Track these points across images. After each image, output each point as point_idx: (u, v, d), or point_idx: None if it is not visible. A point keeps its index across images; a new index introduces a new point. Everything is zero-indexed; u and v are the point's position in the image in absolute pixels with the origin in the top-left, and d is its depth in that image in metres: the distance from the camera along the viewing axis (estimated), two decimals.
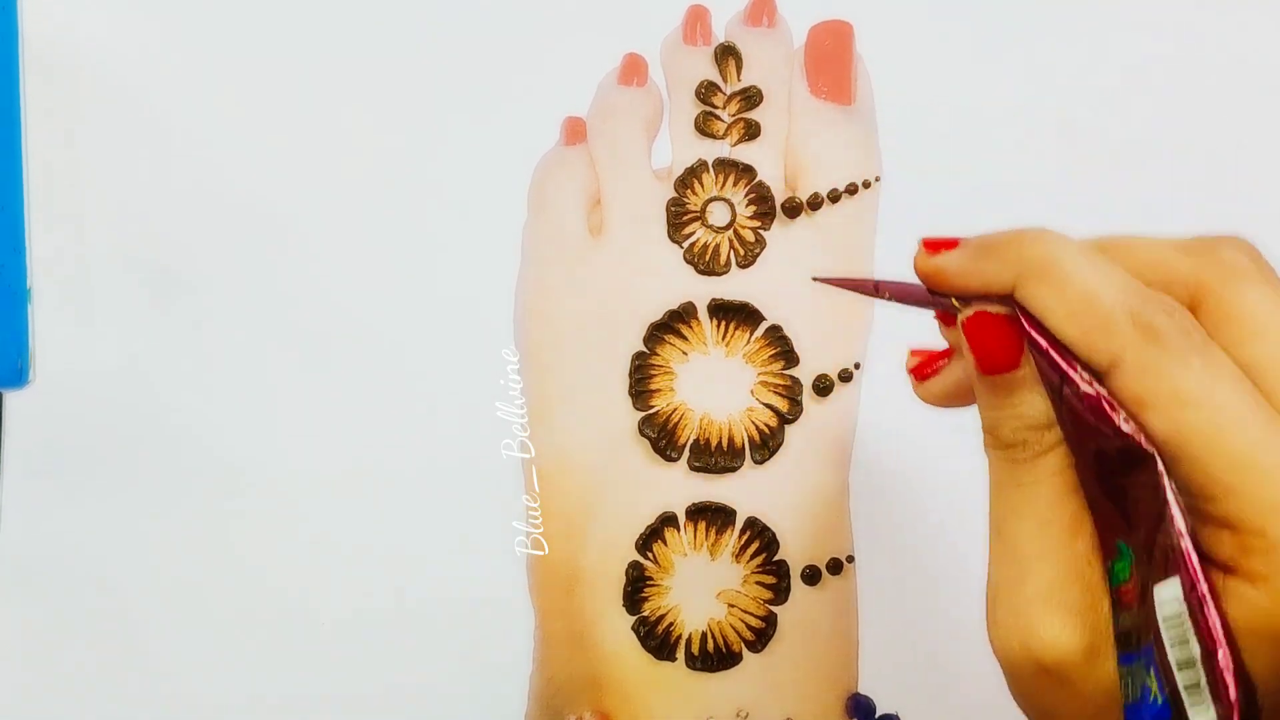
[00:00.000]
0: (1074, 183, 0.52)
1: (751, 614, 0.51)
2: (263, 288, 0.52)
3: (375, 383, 0.52)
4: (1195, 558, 0.33)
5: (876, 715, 0.51)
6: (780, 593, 0.51)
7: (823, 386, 0.52)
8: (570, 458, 0.52)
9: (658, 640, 0.51)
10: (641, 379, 0.52)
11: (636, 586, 0.52)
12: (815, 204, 0.52)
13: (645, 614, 0.52)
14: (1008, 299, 0.36)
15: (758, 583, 0.52)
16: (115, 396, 0.52)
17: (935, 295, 0.39)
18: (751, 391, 0.52)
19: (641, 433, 0.52)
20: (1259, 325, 0.34)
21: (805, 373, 0.52)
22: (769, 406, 0.52)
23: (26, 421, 0.52)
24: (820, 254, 0.52)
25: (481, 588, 0.52)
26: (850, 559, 0.52)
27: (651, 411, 0.52)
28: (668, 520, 0.52)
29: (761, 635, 0.51)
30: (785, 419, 0.52)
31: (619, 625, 0.52)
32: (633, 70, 0.52)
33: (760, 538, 0.52)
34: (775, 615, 0.51)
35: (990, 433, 0.37)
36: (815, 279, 0.43)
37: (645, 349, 0.52)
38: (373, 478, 0.52)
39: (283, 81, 0.52)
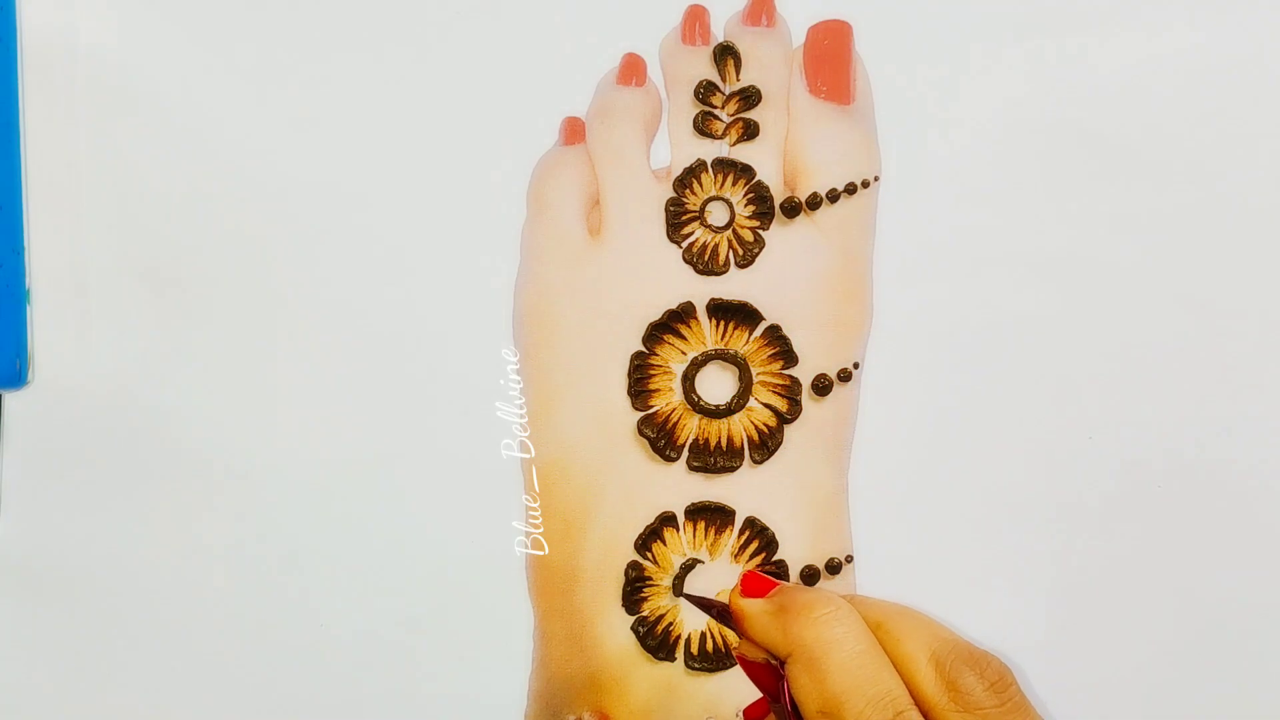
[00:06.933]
0: (1073, 183, 0.52)
1: None
2: (262, 287, 0.52)
3: (375, 383, 0.52)
4: None
5: None
6: None
7: (822, 386, 0.52)
8: (570, 458, 0.52)
9: (657, 640, 0.52)
10: (641, 379, 0.52)
11: (636, 586, 0.52)
12: (814, 204, 0.52)
13: (645, 614, 0.52)
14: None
15: None
16: (114, 397, 0.52)
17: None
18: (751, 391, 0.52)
19: (641, 433, 0.52)
20: None
21: (804, 373, 0.52)
22: (768, 406, 0.52)
23: (26, 422, 0.53)
24: (819, 254, 0.52)
25: (481, 588, 0.52)
26: (849, 559, 0.52)
27: (651, 411, 0.52)
28: (667, 520, 0.52)
29: None
30: (784, 419, 0.52)
31: (618, 625, 0.52)
32: (631, 70, 0.52)
33: (759, 538, 0.52)
34: None
35: None
36: (685, 596, 0.51)
37: (644, 349, 0.52)
38: (373, 478, 0.52)
39: (283, 81, 0.52)
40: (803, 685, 0.40)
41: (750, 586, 0.44)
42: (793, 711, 0.41)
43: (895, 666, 0.40)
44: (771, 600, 0.43)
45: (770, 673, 0.43)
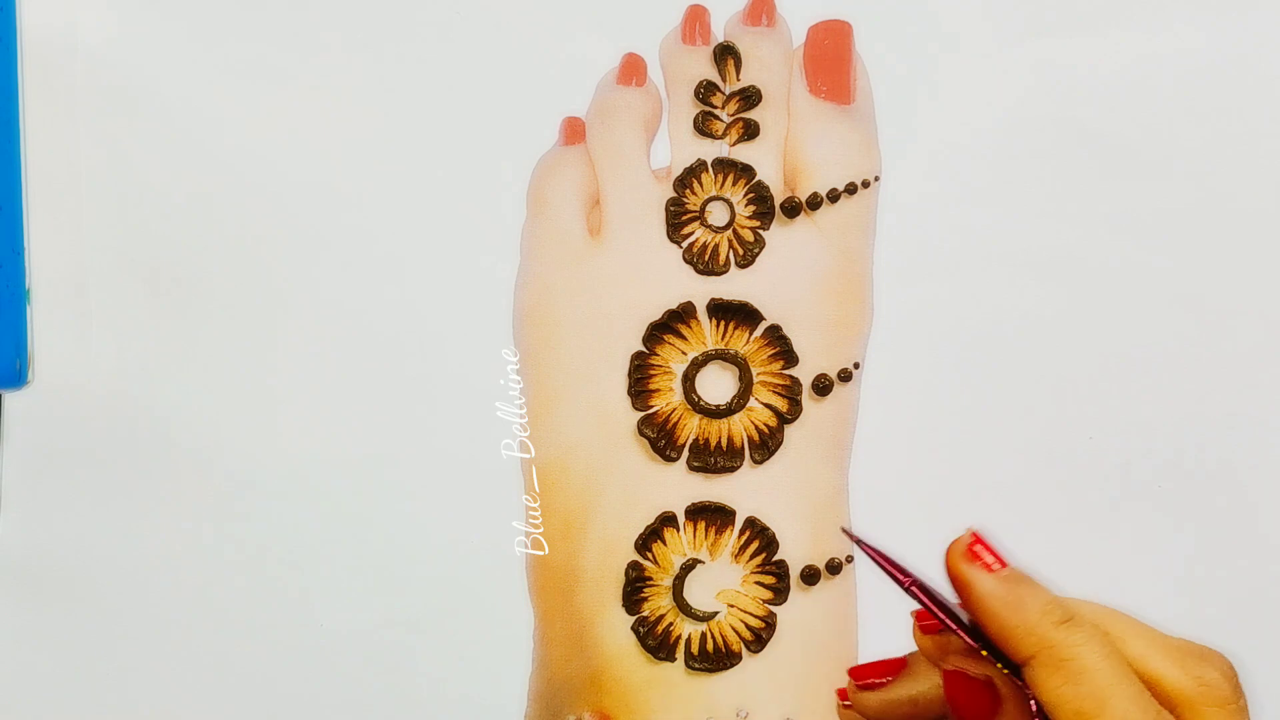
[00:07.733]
0: (1073, 183, 0.52)
1: (751, 614, 0.51)
2: (262, 288, 0.52)
3: (375, 383, 0.52)
4: None
5: None
6: (779, 593, 0.51)
7: (822, 386, 0.52)
8: (570, 458, 0.52)
9: (657, 640, 0.51)
10: (641, 379, 0.52)
11: (636, 586, 0.52)
12: (814, 204, 0.52)
13: (645, 614, 0.52)
14: (1012, 665, 0.38)
15: (757, 583, 0.52)
16: (114, 397, 0.52)
17: (952, 616, 0.39)
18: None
19: (641, 433, 0.52)
20: None
21: (804, 372, 0.52)
22: (768, 406, 0.52)
23: (26, 422, 0.53)
24: (819, 254, 0.52)
25: (481, 588, 0.52)
26: (849, 559, 0.52)
27: (651, 411, 0.52)
28: (667, 520, 0.52)
29: (761, 635, 0.51)
30: (785, 419, 0.52)
31: (618, 625, 0.52)
32: (631, 70, 0.52)
33: (760, 538, 0.51)
34: (775, 615, 0.51)
35: None
36: (851, 537, 0.44)
37: (644, 349, 0.52)
38: (372, 478, 0.52)
39: (283, 82, 0.52)
40: (1054, 687, 0.37)
41: (975, 550, 0.39)
42: (1039, 716, 0.38)
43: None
44: (1006, 580, 0.39)
45: (987, 692, 0.39)
